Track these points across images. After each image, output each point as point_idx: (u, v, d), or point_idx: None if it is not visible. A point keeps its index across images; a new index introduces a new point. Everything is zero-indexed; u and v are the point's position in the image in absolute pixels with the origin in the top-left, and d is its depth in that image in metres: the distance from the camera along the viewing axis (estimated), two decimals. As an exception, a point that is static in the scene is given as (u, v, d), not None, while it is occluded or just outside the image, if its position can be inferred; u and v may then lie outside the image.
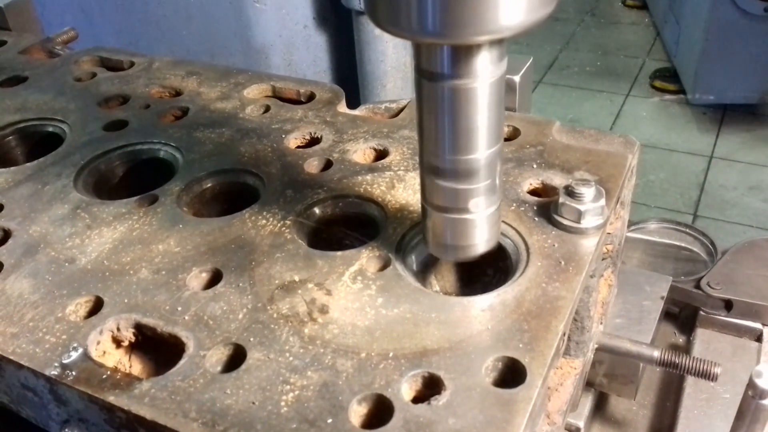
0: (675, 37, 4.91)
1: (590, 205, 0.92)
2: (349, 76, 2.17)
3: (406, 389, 0.75)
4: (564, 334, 0.82)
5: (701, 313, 1.42)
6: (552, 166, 1.06)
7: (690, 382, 1.30)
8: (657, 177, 4.11)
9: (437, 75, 0.74)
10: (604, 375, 1.25)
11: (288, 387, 0.76)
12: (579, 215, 0.92)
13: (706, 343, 1.39)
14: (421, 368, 0.76)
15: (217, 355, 0.81)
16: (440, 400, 0.73)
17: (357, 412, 0.73)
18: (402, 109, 1.26)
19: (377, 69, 2.00)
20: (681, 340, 1.50)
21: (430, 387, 0.75)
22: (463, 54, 0.72)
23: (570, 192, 0.92)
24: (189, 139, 1.21)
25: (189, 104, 1.32)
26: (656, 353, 1.12)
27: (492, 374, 0.77)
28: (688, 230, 1.60)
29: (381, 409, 0.73)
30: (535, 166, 1.07)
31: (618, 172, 1.04)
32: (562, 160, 1.07)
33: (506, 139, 1.13)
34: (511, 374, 0.76)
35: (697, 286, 1.43)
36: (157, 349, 0.88)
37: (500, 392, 0.73)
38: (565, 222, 0.93)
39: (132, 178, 1.21)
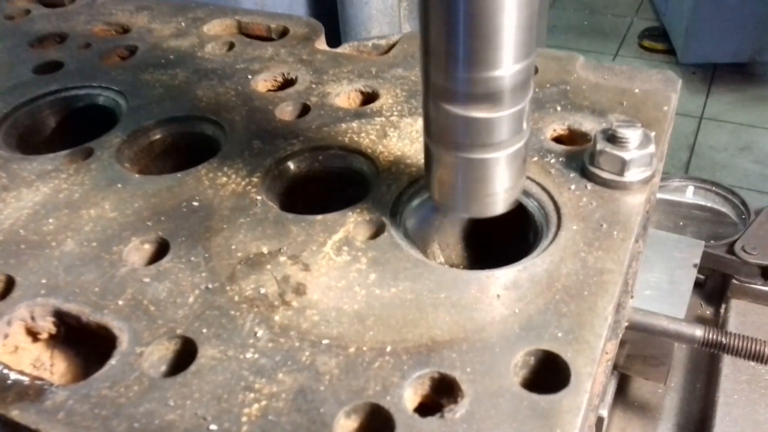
0: (664, -5, 4.77)
1: (636, 152, 0.73)
2: (329, 21, 1.95)
3: (409, 396, 0.57)
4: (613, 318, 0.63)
5: (734, 281, 1.25)
6: (580, 109, 0.87)
7: (727, 361, 1.14)
8: (647, 138, 3.96)
9: None
10: (631, 356, 1.07)
11: (252, 395, 0.57)
12: (623, 165, 0.73)
13: (741, 315, 1.22)
14: (429, 367, 0.58)
15: (159, 353, 0.62)
16: (457, 411, 0.55)
17: (345, 428, 0.55)
18: (393, 46, 1.05)
19: (360, 12, 1.78)
20: (708, 312, 1.33)
21: (443, 393, 0.57)
22: None
23: (611, 137, 0.73)
24: (135, 81, 1.01)
25: (138, 42, 1.11)
26: (698, 332, 0.94)
27: (523, 374, 0.58)
28: (714, 188, 1.41)
29: (377, 425, 0.54)
30: (559, 108, 0.88)
31: (662, 114, 0.85)
32: (591, 102, 0.88)
33: (522, 77, 0.93)
34: (550, 374, 0.58)
35: (730, 251, 1.25)
36: (89, 342, 0.68)
37: (537, 399, 0.55)
38: (605, 174, 0.74)
39: (66, 131, 1.01)
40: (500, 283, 0.65)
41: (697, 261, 1.16)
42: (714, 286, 1.34)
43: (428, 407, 0.57)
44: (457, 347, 0.60)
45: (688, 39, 4.33)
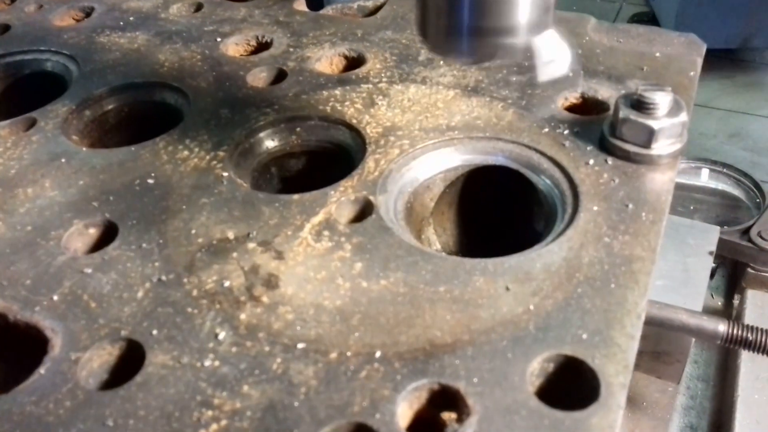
0: (653, -21, 4.69)
1: (666, 120, 0.62)
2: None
3: (403, 413, 0.46)
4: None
5: (749, 270, 1.16)
6: (594, 75, 0.77)
7: (745, 358, 1.04)
8: (636, 125, 3.90)
9: None
10: (642, 352, 0.98)
11: (210, 413, 0.46)
12: (650, 136, 0.62)
13: (759, 307, 1.13)
14: (428, 376, 0.48)
15: (99, 359, 0.51)
16: (463, 431, 0.44)
17: (324, 453, 0.44)
18: (380, 7, 0.94)
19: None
20: (719, 302, 1.24)
21: (444, 408, 0.47)
22: None
23: (636, 102, 0.63)
24: (89, 45, 0.90)
25: (94, 3, 1.00)
26: (721, 327, 0.85)
27: (541, 384, 0.48)
28: (725, 170, 1.32)
29: (364, 449, 0.44)
30: (570, 74, 0.76)
31: (688, 81, 0.75)
32: (607, 67, 0.78)
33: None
34: (573, 385, 0.47)
35: (745, 238, 1.16)
36: (17, 346, 0.57)
37: (560, 417, 0.45)
38: (628, 147, 0.63)
39: (11, 100, 0.89)
40: (510, 273, 0.55)
41: (713, 248, 1.06)
42: (725, 275, 1.25)
43: (426, 425, 0.47)
44: (461, 352, 0.49)
45: (677, 24, 4.24)
